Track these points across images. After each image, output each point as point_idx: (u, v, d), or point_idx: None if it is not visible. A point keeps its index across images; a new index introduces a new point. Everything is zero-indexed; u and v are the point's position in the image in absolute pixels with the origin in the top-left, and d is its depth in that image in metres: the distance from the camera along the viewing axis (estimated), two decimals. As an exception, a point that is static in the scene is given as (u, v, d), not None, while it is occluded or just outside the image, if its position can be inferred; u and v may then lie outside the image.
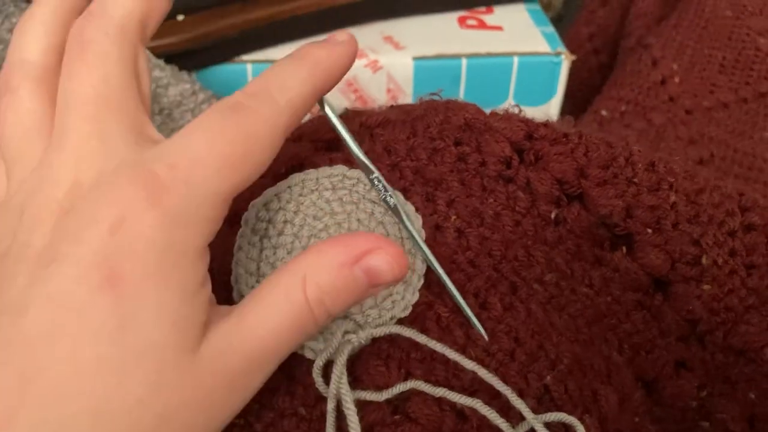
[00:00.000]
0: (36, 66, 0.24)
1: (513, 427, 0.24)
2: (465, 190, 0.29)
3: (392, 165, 0.29)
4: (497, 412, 0.24)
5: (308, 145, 0.31)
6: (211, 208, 0.21)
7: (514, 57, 0.51)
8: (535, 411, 0.24)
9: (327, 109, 0.26)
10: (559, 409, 0.25)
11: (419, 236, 0.26)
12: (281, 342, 0.22)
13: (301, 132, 0.32)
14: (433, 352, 0.25)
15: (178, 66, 0.45)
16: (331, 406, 0.23)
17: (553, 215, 0.29)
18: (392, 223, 0.27)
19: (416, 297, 0.26)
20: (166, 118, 0.41)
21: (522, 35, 0.53)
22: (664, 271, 0.28)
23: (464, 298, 0.27)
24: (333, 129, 0.26)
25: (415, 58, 0.50)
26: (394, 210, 0.26)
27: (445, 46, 0.51)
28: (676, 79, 0.51)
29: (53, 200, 0.21)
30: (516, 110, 0.31)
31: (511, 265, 0.28)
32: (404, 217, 0.26)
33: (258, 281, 0.26)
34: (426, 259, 0.26)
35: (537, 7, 0.58)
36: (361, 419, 0.24)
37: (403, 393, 0.24)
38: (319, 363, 0.24)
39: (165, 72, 0.43)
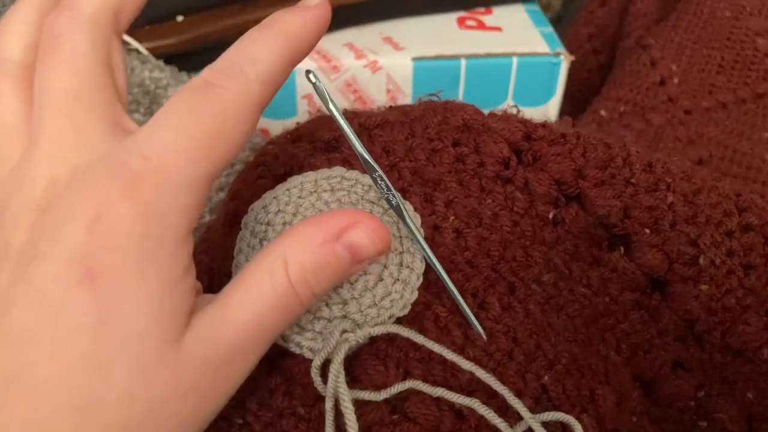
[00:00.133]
0: (16, 64, 0.24)
1: (511, 427, 0.24)
2: (463, 191, 0.29)
3: (391, 165, 0.29)
4: (495, 411, 0.24)
5: (307, 146, 0.31)
6: (188, 195, 0.21)
7: (513, 57, 0.51)
8: (533, 411, 0.24)
9: (332, 107, 0.25)
10: (556, 408, 0.25)
11: (420, 234, 0.26)
12: (267, 325, 0.22)
13: (299, 133, 0.32)
14: (432, 351, 0.25)
15: (177, 67, 0.45)
16: (329, 405, 0.24)
17: (551, 216, 0.29)
18: (390, 223, 0.27)
19: (415, 296, 0.26)
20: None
21: (521, 36, 0.53)
22: (661, 271, 0.29)
23: (463, 298, 0.27)
24: (338, 126, 0.26)
25: (415, 59, 0.50)
26: (396, 209, 0.26)
27: (445, 46, 0.51)
28: (675, 80, 0.51)
29: (31, 198, 0.21)
30: (514, 111, 0.31)
31: (510, 265, 0.28)
32: (406, 216, 0.26)
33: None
34: (426, 258, 0.26)
35: (536, 7, 0.58)
36: (360, 419, 0.24)
37: (401, 393, 0.24)
38: (317, 362, 0.24)
39: (165, 73, 0.43)
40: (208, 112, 0.21)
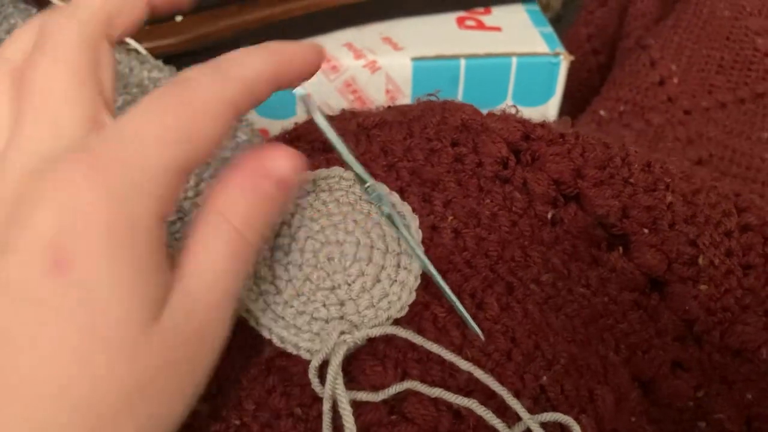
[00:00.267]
0: (13, 63, 0.24)
1: (509, 427, 0.24)
2: (462, 191, 0.29)
3: (389, 165, 0.29)
4: (494, 412, 0.24)
5: (305, 147, 0.31)
6: (156, 182, 0.20)
7: (513, 57, 0.51)
8: (532, 411, 0.24)
9: (318, 117, 0.26)
10: (555, 409, 0.25)
11: (416, 243, 0.26)
12: (230, 279, 0.22)
13: (297, 133, 0.32)
14: (430, 352, 0.25)
15: (176, 67, 0.45)
16: (326, 406, 0.23)
17: (549, 216, 0.29)
18: (389, 224, 0.27)
19: (413, 297, 0.26)
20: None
21: (520, 36, 0.53)
22: (660, 271, 0.29)
23: (461, 298, 0.27)
24: (326, 138, 0.26)
25: (414, 59, 0.50)
26: (389, 219, 0.26)
27: (444, 46, 0.51)
28: (675, 80, 0.51)
29: (6, 190, 0.21)
30: (513, 111, 0.31)
31: (508, 265, 0.28)
32: (401, 227, 0.26)
33: (255, 283, 0.26)
34: (424, 267, 0.26)
35: (535, 7, 0.58)
36: (358, 419, 0.24)
37: (399, 393, 0.24)
38: (314, 363, 0.24)
39: (164, 73, 0.43)
40: (179, 102, 0.21)
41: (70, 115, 0.22)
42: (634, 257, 0.29)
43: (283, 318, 0.25)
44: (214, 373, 0.27)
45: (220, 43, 0.49)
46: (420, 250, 0.26)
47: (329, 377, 0.24)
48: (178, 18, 0.49)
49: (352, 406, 0.23)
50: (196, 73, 0.22)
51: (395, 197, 0.28)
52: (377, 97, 0.51)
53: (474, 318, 0.26)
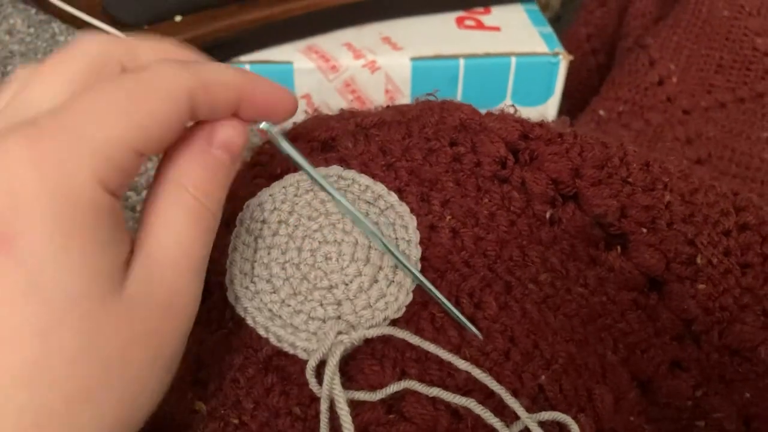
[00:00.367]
0: None
1: (507, 426, 0.24)
2: (460, 191, 0.29)
3: (387, 165, 0.29)
4: (492, 411, 0.24)
5: (303, 146, 0.31)
6: (101, 156, 0.20)
7: (512, 57, 0.51)
8: (530, 410, 0.24)
9: (287, 147, 0.26)
10: (553, 408, 0.25)
11: (405, 258, 0.26)
12: (195, 248, 0.23)
13: (296, 132, 0.32)
14: (428, 351, 0.25)
15: (175, 67, 0.45)
16: (324, 406, 0.23)
17: (548, 215, 0.29)
18: (387, 224, 0.27)
19: (410, 298, 0.26)
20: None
21: (520, 36, 0.54)
22: (659, 270, 0.29)
23: (459, 297, 0.27)
24: (304, 172, 0.27)
25: (413, 59, 0.50)
26: (374, 238, 0.26)
27: (443, 46, 0.51)
28: (674, 79, 0.51)
29: None
30: (511, 110, 0.31)
31: (506, 265, 0.28)
32: (391, 248, 0.26)
33: (253, 281, 0.26)
34: (415, 278, 0.26)
35: (535, 7, 0.58)
36: (356, 418, 0.24)
37: (397, 392, 0.24)
38: (311, 363, 0.24)
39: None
40: (133, 81, 0.21)
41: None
42: (632, 257, 0.29)
43: (279, 317, 0.25)
44: (212, 371, 0.27)
45: (220, 43, 0.49)
46: (407, 262, 0.26)
47: (326, 377, 0.24)
48: (177, 18, 0.49)
49: (349, 406, 0.23)
50: (161, 61, 0.22)
51: (393, 197, 0.28)
52: (376, 97, 0.52)
53: (472, 317, 0.26)
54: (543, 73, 0.52)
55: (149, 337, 0.21)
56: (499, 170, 0.30)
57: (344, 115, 0.33)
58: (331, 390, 0.23)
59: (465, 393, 0.25)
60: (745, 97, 0.51)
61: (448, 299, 0.26)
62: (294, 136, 0.32)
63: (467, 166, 0.30)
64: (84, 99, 0.21)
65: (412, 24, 0.54)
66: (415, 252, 0.27)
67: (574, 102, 0.57)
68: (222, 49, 0.49)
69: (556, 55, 0.51)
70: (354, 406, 0.24)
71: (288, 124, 0.34)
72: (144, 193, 0.39)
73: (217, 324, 0.28)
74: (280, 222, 0.27)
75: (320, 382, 0.24)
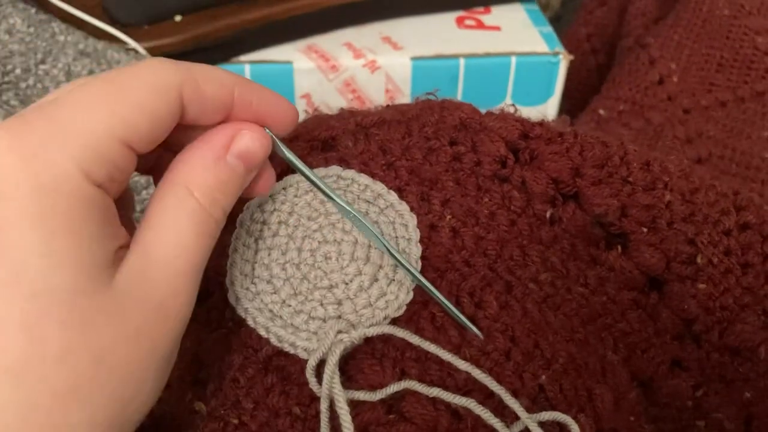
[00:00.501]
0: None
1: (508, 427, 0.24)
2: (460, 190, 0.29)
3: (387, 164, 0.29)
4: (492, 411, 0.24)
5: (303, 146, 0.31)
6: (84, 145, 0.20)
7: (512, 57, 0.51)
8: (530, 410, 0.24)
9: (287, 152, 0.26)
10: (553, 408, 0.25)
11: (405, 258, 0.26)
12: (194, 253, 0.22)
13: (296, 132, 0.32)
14: (428, 351, 0.25)
15: (175, 67, 0.45)
16: (324, 406, 0.23)
17: (548, 214, 0.29)
18: (387, 223, 0.27)
19: (410, 297, 0.26)
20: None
21: (520, 35, 0.54)
22: (659, 270, 0.28)
23: (459, 297, 0.27)
24: (305, 177, 0.26)
25: (413, 59, 0.50)
26: (377, 243, 0.26)
27: (443, 46, 0.51)
28: (674, 78, 0.51)
29: None
30: (512, 110, 0.31)
31: (507, 264, 0.28)
32: (392, 249, 0.26)
33: (253, 282, 0.26)
34: (415, 279, 0.26)
35: (535, 7, 0.58)
36: (356, 418, 0.24)
37: (397, 392, 0.24)
38: (311, 363, 0.24)
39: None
40: (118, 72, 0.21)
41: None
42: (632, 256, 0.29)
43: (280, 317, 0.25)
44: (212, 371, 0.27)
45: (220, 43, 0.49)
46: (408, 263, 0.26)
47: (326, 376, 0.23)
48: (178, 18, 0.49)
49: (349, 406, 0.23)
50: (151, 58, 0.22)
51: (393, 196, 0.28)
52: (377, 97, 0.52)
53: (473, 317, 0.26)
54: (543, 72, 0.52)
55: (140, 335, 0.21)
56: (500, 169, 0.30)
57: (344, 115, 0.33)
58: (331, 389, 0.23)
59: (465, 393, 0.25)
60: (745, 96, 0.50)
61: (449, 298, 0.26)
62: (294, 135, 0.32)
63: (467, 165, 0.29)
64: (71, 92, 0.21)
65: (413, 24, 0.54)
66: (415, 250, 0.27)
67: (574, 102, 0.57)
68: (222, 48, 0.49)
69: (556, 54, 0.51)
70: (354, 405, 0.24)
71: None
72: (144, 192, 0.39)
73: (216, 324, 0.28)
74: (280, 223, 0.27)
75: (320, 381, 0.24)
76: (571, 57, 0.51)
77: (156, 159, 0.25)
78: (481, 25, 0.55)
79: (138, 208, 0.38)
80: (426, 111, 0.31)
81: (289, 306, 0.26)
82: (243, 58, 0.50)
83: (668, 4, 0.55)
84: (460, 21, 0.55)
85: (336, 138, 0.31)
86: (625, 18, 0.56)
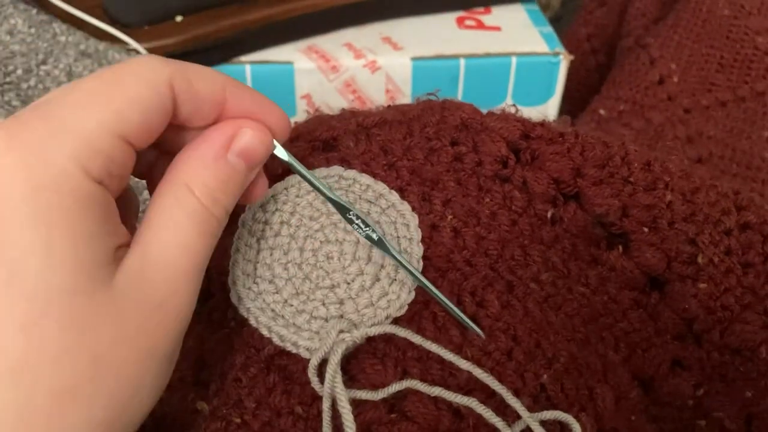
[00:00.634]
0: None
1: (509, 426, 0.24)
2: (461, 190, 0.29)
3: (389, 165, 0.29)
4: (494, 410, 0.24)
5: (305, 146, 0.31)
6: (81, 142, 0.20)
7: (513, 57, 0.51)
8: (531, 409, 0.24)
9: (295, 163, 0.26)
10: (555, 407, 0.25)
11: (406, 260, 0.26)
12: (194, 253, 0.22)
13: (297, 132, 0.32)
14: (430, 350, 0.25)
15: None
16: (326, 405, 0.23)
17: (549, 214, 0.29)
18: (388, 223, 0.27)
19: (412, 296, 0.26)
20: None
21: (520, 35, 0.54)
22: (660, 269, 0.29)
23: (461, 297, 0.27)
24: (303, 178, 0.26)
25: (414, 59, 0.51)
26: (380, 244, 0.26)
27: (444, 46, 0.52)
28: (675, 78, 0.51)
29: None
30: (512, 110, 0.31)
31: (508, 264, 0.28)
32: (391, 249, 0.26)
33: (255, 282, 0.26)
34: (417, 280, 0.26)
35: (535, 7, 0.58)
36: (358, 417, 0.24)
37: (399, 392, 0.24)
38: (313, 362, 0.24)
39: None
40: (109, 69, 0.21)
41: None
42: (633, 256, 0.29)
43: (282, 316, 0.25)
44: (214, 371, 0.27)
45: (220, 44, 0.49)
46: (409, 265, 0.26)
47: (328, 376, 0.24)
48: (178, 18, 0.49)
49: (351, 405, 0.23)
50: (144, 55, 0.22)
51: (394, 196, 0.28)
52: (377, 97, 0.52)
53: (475, 316, 0.26)
54: (543, 72, 0.52)
55: (139, 335, 0.21)
56: (501, 170, 0.30)
57: (345, 115, 0.33)
58: (333, 389, 0.23)
59: (467, 392, 0.25)
60: (745, 95, 0.51)
61: (450, 298, 0.26)
62: (295, 135, 0.32)
63: (468, 165, 0.30)
64: (64, 91, 0.21)
65: (413, 24, 0.54)
66: (417, 250, 0.27)
67: (574, 102, 0.57)
68: (222, 49, 0.49)
69: (556, 54, 0.51)
70: (356, 405, 0.24)
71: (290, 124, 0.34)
72: (146, 193, 0.39)
73: (219, 324, 0.28)
74: (282, 223, 0.27)
75: (322, 381, 0.24)
76: (572, 57, 0.51)
77: (152, 162, 0.25)
78: (481, 26, 0.55)
79: (141, 208, 0.38)
80: (427, 111, 0.31)
81: (291, 306, 0.26)
82: (243, 58, 0.50)
83: (668, 4, 0.55)
84: (460, 21, 0.55)
85: (337, 138, 0.31)
86: (625, 18, 0.56)
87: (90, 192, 0.20)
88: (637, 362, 0.29)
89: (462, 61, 0.50)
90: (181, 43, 0.48)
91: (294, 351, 0.25)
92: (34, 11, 0.45)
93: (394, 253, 0.26)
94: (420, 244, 0.27)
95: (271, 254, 0.27)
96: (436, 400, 0.25)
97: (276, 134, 0.25)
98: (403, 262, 0.26)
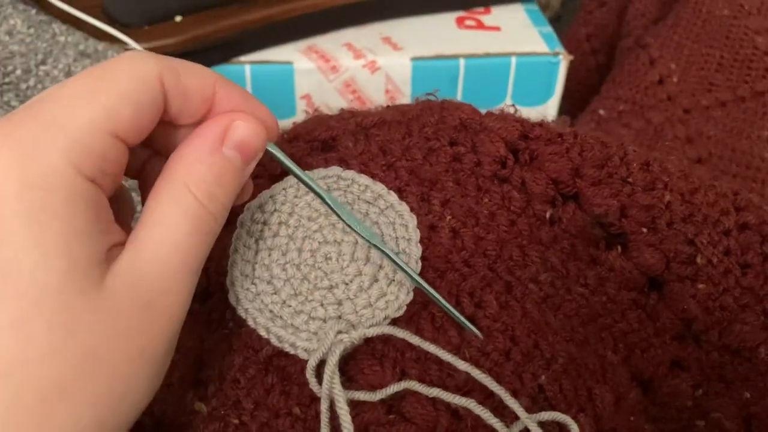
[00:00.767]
0: None
1: (507, 427, 0.24)
2: (460, 190, 0.29)
3: (387, 165, 0.29)
4: (492, 411, 0.24)
5: (303, 146, 0.31)
6: (72, 139, 0.20)
7: (512, 57, 0.51)
8: (530, 410, 0.24)
9: (279, 153, 0.25)
10: (553, 408, 0.25)
11: (404, 263, 0.26)
12: (188, 252, 0.22)
13: (296, 132, 0.32)
14: (428, 351, 0.25)
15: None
16: (324, 406, 0.23)
17: (548, 215, 0.29)
18: (387, 224, 0.27)
19: (410, 297, 0.26)
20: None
21: (520, 35, 0.54)
22: (659, 270, 0.29)
23: (459, 297, 0.27)
24: (304, 184, 0.26)
25: (413, 59, 0.51)
26: (378, 248, 0.26)
27: (443, 46, 0.52)
28: (674, 78, 0.51)
29: None
30: (511, 110, 0.31)
31: (506, 264, 0.28)
32: (390, 253, 0.26)
33: (254, 283, 0.26)
34: (414, 281, 0.26)
35: (535, 7, 0.58)
36: (356, 418, 0.24)
37: (397, 392, 0.24)
38: (311, 363, 0.24)
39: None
40: (99, 66, 0.21)
41: None
42: (632, 256, 0.29)
43: (280, 317, 0.25)
44: (213, 372, 0.27)
45: (220, 44, 0.49)
46: (406, 266, 0.26)
47: (326, 376, 0.24)
48: (178, 18, 0.49)
49: (349, 406, 0.23)
50: (133, 51, 0.22)
51: (393, 197, 0.28)
52: (377, 97, 0.52)
53: (473, 317, 0.26)
54: (543, 73, 0.52)
55: (131, 335, 0.20)
56: (499, 170, 0.30)
57: (344, 115, 0.33)
58: (331, 390, 0.23)
59: (465, 393, 0.25)
60: (745, 95, 0.51)
61: (449, 299, 0.26)
62: (294, 135, 0.32)
63: (467, 165, 0.30)
64: (56, 90, 0.21)
65: (413, 24, 0.54)
66: (415, 250, 0.27)
67: (574, 102, 0.57)
68: (222, 49, 0.49)
69: (556, 55, 0.51)
70: (354, 406, 0.24)
71: (288, 125, 0.34)
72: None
73: (217, 324, 0.28)
74: (280, 223, 0.27)
75: (320, 382, 0.24)
76: (571, 57, 0.51)
77: (144, 161, 0.25)
78: (481, 26, 0.55)
79: (138, 208, 0.38)
80: (426, 111, 0.31)
81: (290, 306, 0.26)
82: (243, 58, 0.50)
83: (668, 4, 0.55)
84: (460, 21, 0.55)
85: (336, 138, 0.31)
86: (625, 18, 0.56)
87: (82, 190, 0.20)
88: (636, 363, 0.29)
89: (462, 61, 0.50)
90: (181, 44, 0.48)
91: (292, 352, 0.25)
92: (34, 11, 0.45)
93: (392, 256, 0.26)
94: (418, 244, 0.27)
95: (269, 255, 0.27)
96: (435, 400, 0.25)
97: (269, 132, 0.25)
98: (399, 262, 0.26)
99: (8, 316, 0.18)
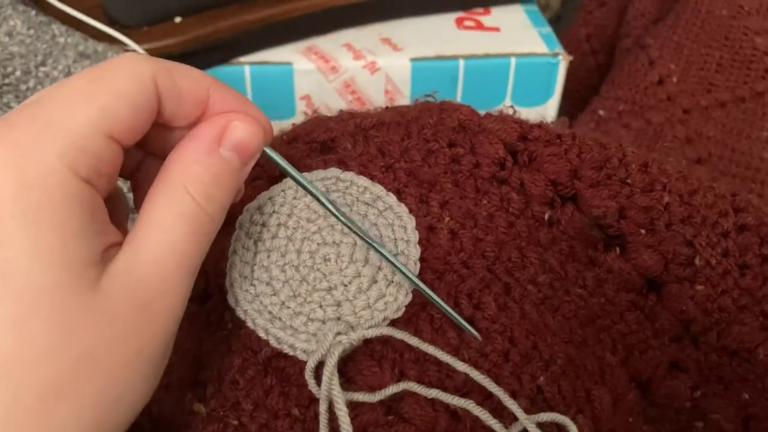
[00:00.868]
0: None
1: (506, 428, 0.24)
2: (459, 192, 0.29)
3: (386, 166, 0.29)
4: (491, 412, 0.24)
5: (302, 147, 0.31)
6: (66, 142, 0.20)
7: (512, 58, 0.51)
8: (528, 411, 0.24)
9: (276, 156, 0.25)
10: (552, 409, 0.25)
11: (403, 265, 0.26)
12: (185, 253, 0.22)
13: (295, 134, 0.32)
14: (427, 352, 0.25)
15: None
16: (323, 407, 0.24)
17: (546, 216, 0.29)
18: (386, 225, 0.27)
19: (409, 298, 0.26)
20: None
21: (519, 36, 0.54)
22: (657, 271, 0.29)
23: (458, 298, 0.27)
24: (301, 186, 0.26)
25: (413, 60, 0.51)
26: (378, 251, 0.26)
27: (443, 47, 0.52)
28: (674, 79, 0.51)
29: None
30: (510, 111, 0.31)
31: (505, 266, 0.28)
32: (387, 254, 0.26)
33: (252, 284, 0.26)
34: (413, 283, 0.26)
35: (534, 7, 0.58)
36: (355, 419, 0.24)
37: (396, 394, 0.24)
38: (310, 364, 0.24)
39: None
40: (95, 67, 0.21)
41: None
42: (631, 258, 0.29)
43: (279, 319, 0.26)
44: (212, 373, 0.27)
45: (219, 45, 0.49)
46: (405, 268, 0.26)
47: (325, 378, 0.24)
48: (177, 19, 0.49)
49: (348, 407, 0.23)
50: (127, 53, 0.22)
51: (392, 198, 0.28)
52: (376, 98, 0.52)
53: (471, 318, 0.26)
54: (543, 73, 0.52)
55: (128, 336, 0.20)
56: (498, 171, 0.30)
57: (343, 116, 0.33)
58: (330, 391, 0.24)
59: (464, 394, 0.25)
60: (745, 96, 0.51)
61: (447, 300, 0.26)
62: (293, 137, 0.32)
63: (466, 167, 0.30)
64: (51, 91, 0.21)
65: (412, 25, 0.54)
66: (414, 252, 0.27)
67: (574, 102, 0.57)
68: (222, 49, 0.49)
69: (555, 55, 0.51)
70: (353, 407, 0.24)
71: (287, 125, 0.34)
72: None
73: (216, 325, 0.28)
74: (279, 225, 0.27)
75: (319, 383, 0.24)
76: (571, 58, 0.51)
77: (138, 162, 0.25)
78: (480, 26, 0.55)
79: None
80: (425, 113, 0.31)
81: (289, 308, 0.26)
82: (243, 59, 0.50)
83: (668, 4, 0.55)
84: (459, 22, 0.55)
85: (335, 140, 0.31)
86: (625, 19, 0.56)
87: (78, 190, 0.20)
88: (634, 364, 0.29)
89: (461, 62, 0.50)
90: (181, 44, 0.48)
91: (291, 353, 0.25)
92: (33, 12, 0.45)
93: (388, 256, 0.26)
94: (417, 246, 0.27)
95: (268, 256, 0.27)
96: (433, 402, 0.25)
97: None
98: (395, 263, 0.26)
99: (8, 316, 0.19)
